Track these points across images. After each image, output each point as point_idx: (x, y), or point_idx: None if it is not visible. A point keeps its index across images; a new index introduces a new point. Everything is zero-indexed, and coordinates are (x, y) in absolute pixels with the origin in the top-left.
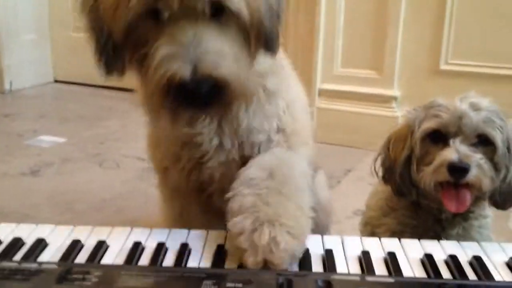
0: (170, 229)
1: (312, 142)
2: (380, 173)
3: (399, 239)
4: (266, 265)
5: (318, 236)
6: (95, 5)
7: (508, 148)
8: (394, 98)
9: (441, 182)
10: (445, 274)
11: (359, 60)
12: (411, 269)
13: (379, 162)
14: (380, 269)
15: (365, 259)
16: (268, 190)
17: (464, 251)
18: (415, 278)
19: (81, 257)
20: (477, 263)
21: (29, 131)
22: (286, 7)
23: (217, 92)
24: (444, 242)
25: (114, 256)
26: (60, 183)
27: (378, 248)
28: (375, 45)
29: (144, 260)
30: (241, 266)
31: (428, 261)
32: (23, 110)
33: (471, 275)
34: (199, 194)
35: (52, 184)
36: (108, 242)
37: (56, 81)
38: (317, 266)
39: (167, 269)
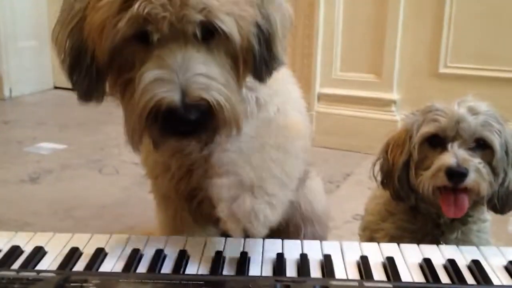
0: (169, 236)
1: (307, 140)
2: (379, 178)
3: (398, 244)
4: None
5: (317, 242)
6: (78, 26)
7: (506, 152)
8: (393, 102)
9: (439, 187)
10: (444, 278)
11: (358, 64)
12: (410, 274)
13: (378, 166)
14: (378, 274)
15: (363, 265)
16: (253, 148)
17: (463, 256)
18: (413, 283)
19: (80, 265)
20: (476, 267)
21: (28, 138)
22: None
23: (206, 118)
24: (442, 247)
25: (112, 264)
26: (59, 190)
27: (376, 253)
28: (374, 49)
29: (143, 267)
30: (239, 272)
31: (427, 266)
32: (22, 117)
33: (470, 280)
34: (190, 201)
35: (52, 191)
36: (107, 249)
37: (55, 87)
38: (315, 272)
39: (165, 276)
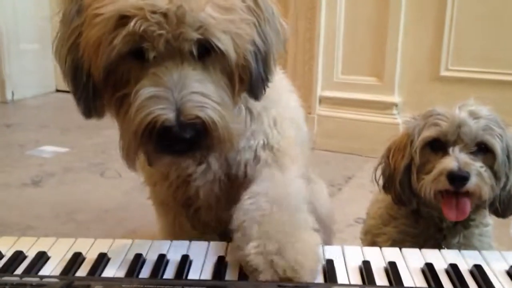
0: (172, 241)
1: (304, 156)
2: (381, 182)
3: (400, 248)
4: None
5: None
6: (76, 43)
7: (507, 156)
8: (395, 105)
9: (441, 191)
10: (446, 283)
11: (359, 67)
12: (412, 278)
13: (380, 171)
14: (381, 279)
15: (365, 269)
16: (271, 222)
17: (465, 260)
18: None
19: (83, 270)
20: (478, 272)
21: (31, 141)
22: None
23: (201, 136)
24: (444, 251)
25: (115, 269)
26: (62, 194)
27: (378, 257)
28: (376, 52)
29: (145, 272)
30: (241, 277)
31: (429, 271)
32: (24, 120)
33: (472, 285)
34: (187, 208)
35: (54, 194)
36: (110, 254)
37: (58, 90)
38: (318, 277)
39: (168, 281)
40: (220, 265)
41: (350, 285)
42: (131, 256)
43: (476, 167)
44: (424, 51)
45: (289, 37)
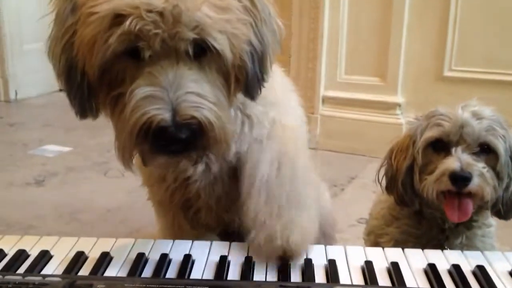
0: (174, 240)
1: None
2: (384, 183)
3: (403, 249)
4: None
5: (321, 246)
6: (70, 42)
7: (511, 157)
8: (398, 105)
9: (443, 191)
10: (449, 284)
11: (362, 67)
12: (414, 279)
13: (382, 172)
14: (383, 279)
15: (368, 270)
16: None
17: (468, 261)
18: None
19: (85, 269)
20: (481, 272)
21: (34, 141)
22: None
23: (196, 136)
24: (447, 252)
25: (117, 268)
26: (65, 193)
27: (381, 258)
28: (379, 52)
29: (148, 271)
30: (243, 277)
31: (431, 271)
32: (28, 119)
33: (474, 285)
34: (186, 210)
35: (57, 194)
36: (112, 253)
37: (61, 90)
38: (320, 277)
39: (170, 281)
40: (222, 265)
41: (352, 285)
42: (133, 256)
43: (478, 167)
44: (428, 51)
45: (293, 37)
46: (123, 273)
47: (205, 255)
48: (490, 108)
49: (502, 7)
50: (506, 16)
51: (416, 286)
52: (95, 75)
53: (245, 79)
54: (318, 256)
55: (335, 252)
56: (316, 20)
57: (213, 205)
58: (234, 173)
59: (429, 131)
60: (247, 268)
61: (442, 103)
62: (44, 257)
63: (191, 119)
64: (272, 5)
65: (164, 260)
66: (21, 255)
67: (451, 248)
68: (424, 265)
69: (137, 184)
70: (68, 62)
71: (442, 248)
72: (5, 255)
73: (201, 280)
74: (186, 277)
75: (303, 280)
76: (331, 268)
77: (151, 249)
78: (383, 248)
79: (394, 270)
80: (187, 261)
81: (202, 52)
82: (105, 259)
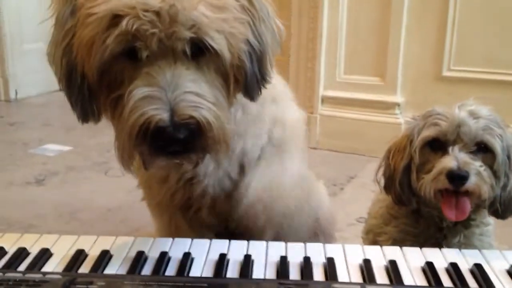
0: (173, 238)
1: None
2: (382, 183)
3: (401, 247)
4: None
5: (320, 245)
6: (70, 44)
7: (508, 156)
8: (397, 105)
9: (441, 190)
10: (446, 282)
11: (362, 66)
12: (412, 277)
13: (381, 171)
14: (381, 277)
15: (366, 268)
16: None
17: (465, 259)
18: (416, 286)
19: (85, 267)
20: (478, 271)
21: (34, 140)
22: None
23: (195, 136)
24: (445, 250)
25: (117, 266)
26: (65, 192)
27: (379, 256)
28: (378, 51)
29: (147, 269)
30: (242, 275)
31: (429, 269)
32: (28, 118)
33: (472, 283)
34: (186, 210)
35: (57, 193)
36: (112, 251)
37: (61, 89)
38: (318, 275)
39: (170, 278)
40: (222, 263)
41: (350, 283)
42: (133, 254)
43: (475, 166)
44: (427, 51)
45: (292, 37)
46: (123, 271)
47: (204, 253)
48: (487, 108)
49: (502, 6)
50: (505, 15)
51: (414, 284)
52: (94, 77)
53: (244, 80)
54: (317, 254)
55: (334, 250)
56: (315, 20)
57: (217, 202)
58: (241, 169)
59: (426, 131)
60: (246, 266)
61: (441, 102)
62: (45, 255)
63: (189, 119)
64: (270, 5)
65: (163, 258)
66: (21, 253)
67: (449, 247)
68: (422, 263)
69: (137, 183)
70: (68, 66)
71: (440, 247)
72: (6, 253)
73: (200, 277)
74: (185, 274)
75: (302, 278)
76: (330, 266)
77: (150, 247)
78: (381, 246)
79: (392, 268)
80: (187, 259)
81: (200, 52)
82: (105, 257)
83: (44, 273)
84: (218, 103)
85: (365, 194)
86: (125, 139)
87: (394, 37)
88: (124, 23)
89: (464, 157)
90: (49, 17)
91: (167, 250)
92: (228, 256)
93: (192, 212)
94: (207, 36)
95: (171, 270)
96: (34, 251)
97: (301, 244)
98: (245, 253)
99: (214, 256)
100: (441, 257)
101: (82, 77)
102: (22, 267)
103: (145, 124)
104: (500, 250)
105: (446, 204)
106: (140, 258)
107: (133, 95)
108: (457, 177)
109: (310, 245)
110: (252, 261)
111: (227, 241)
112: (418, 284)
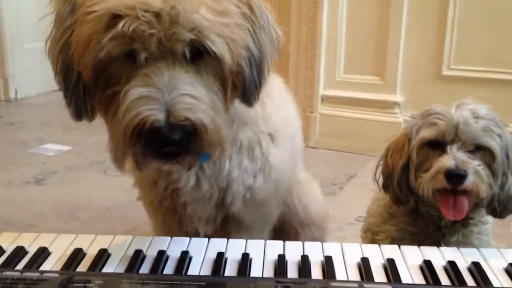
0: (172, 237)
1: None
2: (381, 182)
3: (399, 245)
4: None
5: (318, 243)
6: (68, 42)
7: (507, 155)
8: (397, 104)
9: (439, 189)
10: (444, 280)
11: (361, 66)
12: (410, 275)
13: (379, 171)
14: (379, 276)
15: (364, 266)
16: None
17: (463, 257)
18: (413, 284)
19: (83, 266)
20: (476, 269)
21: (34, 140)
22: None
23: (190, 139)
24: (443, 249)
25: (115, 264)
26: (64, 192)
27: (377, 254)
28: (378, 51)
29: (145, 268)
30: (240, 274)
31: (427, 268)
32: (28, 118)
33: (470, 281)
34: (174, 214)
35: (57, 192)
36: (110, 250)
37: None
38: (316, 273)
39: (168, 277)
40: (219, 261)
41: (348, 281)
42: (131, 252)
43: (473, 165)
44: (426, 50)
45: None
46: (121, 270)
47: (202, 252)
48: (485, 107)
49: (500, 6)
50: (505, 15)
51: (411, 282)
52: (89, 75)
53: (242, 86)
54: (315, 252)
55: (332, 248)
56: (315, 20)
57: (202, 215)
58: (224, 196)
59: (424, 131)
60: (244, 264)
61: (440, 102)
62: (43, 253)
63: (185, 120)
64: (270, 12)
65: (161, 256)
66: (19, 252)
67: (447, 245)
68: (420, 261)
69: None
70: (65, 63)
71: (438, 245)
72: (4, 251)
73: (198, 276)
74: (183, 273)
75: (299, 276)
76: (328, 265)
77: (148, 246)
78: (379, 245)
79: (390, 267)
80: (185, 258)
81: (199, 55)
82: (103, 255)
83: (42, 272)
84: (215, 107)
85: (364, 194)
86: (119, 138)
87: (394, 36)
88: (120, 24)
89: (462, 156)
90: (47, 14)
91: (165, 248)
92: (226, 255)
93: (179, 217)
94: (207, 39)
95: (169, 268)
96: (32, 249)
97: (299, 243)
98: (243, 251)
99: (212, 255)
100: (439, 256)
101: (78, 74)
102: (20, 265)
103: (140, 124)
104: (498, 249)
105: (444, 203)
106: (138, 257)
107: (129, 94)
108: (455, 176)
109: (307, 243)
110: (250, 259)
111: (225, 239)
112: (416, 282)
